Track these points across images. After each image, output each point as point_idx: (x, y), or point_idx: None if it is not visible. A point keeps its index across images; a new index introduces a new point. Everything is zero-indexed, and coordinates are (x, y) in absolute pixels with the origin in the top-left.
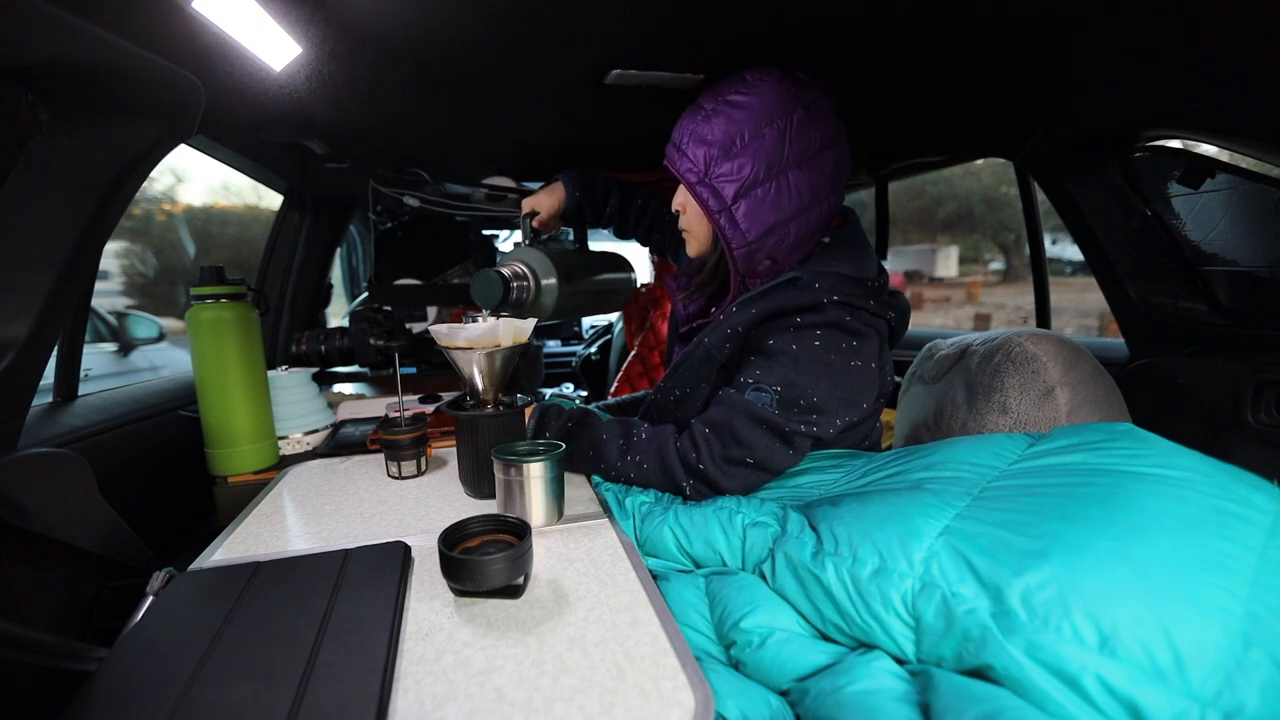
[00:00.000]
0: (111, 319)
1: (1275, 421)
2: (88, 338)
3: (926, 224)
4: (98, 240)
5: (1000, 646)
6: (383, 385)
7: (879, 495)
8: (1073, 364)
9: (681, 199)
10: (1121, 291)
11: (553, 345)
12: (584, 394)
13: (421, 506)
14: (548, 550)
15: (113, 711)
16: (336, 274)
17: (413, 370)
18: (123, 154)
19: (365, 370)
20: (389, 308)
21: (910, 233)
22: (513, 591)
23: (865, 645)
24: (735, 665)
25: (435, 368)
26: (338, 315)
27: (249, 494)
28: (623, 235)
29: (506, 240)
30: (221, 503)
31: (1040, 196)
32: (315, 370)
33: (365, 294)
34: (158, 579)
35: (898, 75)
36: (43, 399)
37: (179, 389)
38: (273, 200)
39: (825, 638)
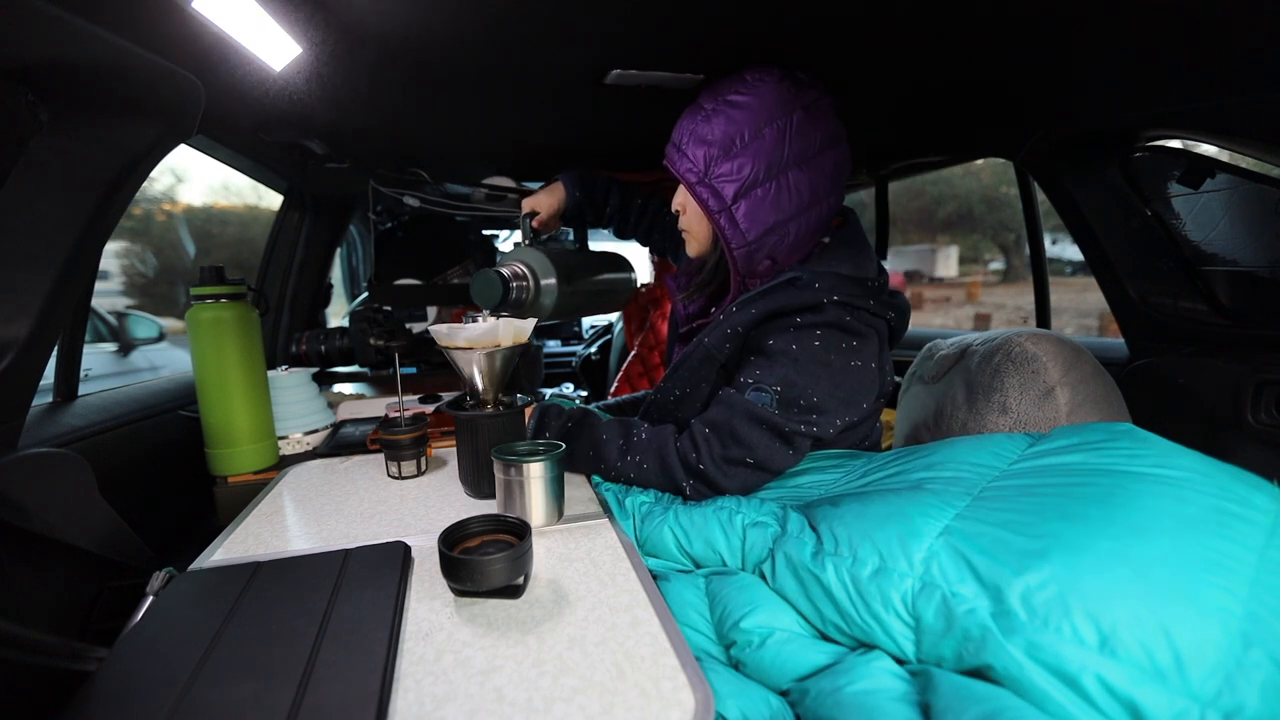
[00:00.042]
0: (111, 319)
1: (1275, 421)
2: (88, 338)
3: (926, 224)
4: (98, 240)
5: (1000, 646)
6: (383, 385)
7: (879, 495)
8: (1073, 364)
9: (681, 199)
10: (1121, 291)
11: (553, 345)
12: (584, 394)
13: (421, 506)
14: (548, 550)
15: (113, 711)
16: (336, 274)
17: (413, 370)
18: (123, 154)
19: (365, 370)
20: (389, 308)
21: (910, 233)
22: (513, 591)
23: (865, 645)
24: (735, 665)
25: (435, 368)
26: (338, 315)
27: (249, 494)
28: (623, 235)
29: (506, 240)
30: (221, 503)
31: (1040, 196)
32: (315, 370)
33: (365, 294)
34: (158, 579)
35: (898, 75)
36: (43, 399)
37: (179, 389)
38: (273, 200)
39: (825, 638)
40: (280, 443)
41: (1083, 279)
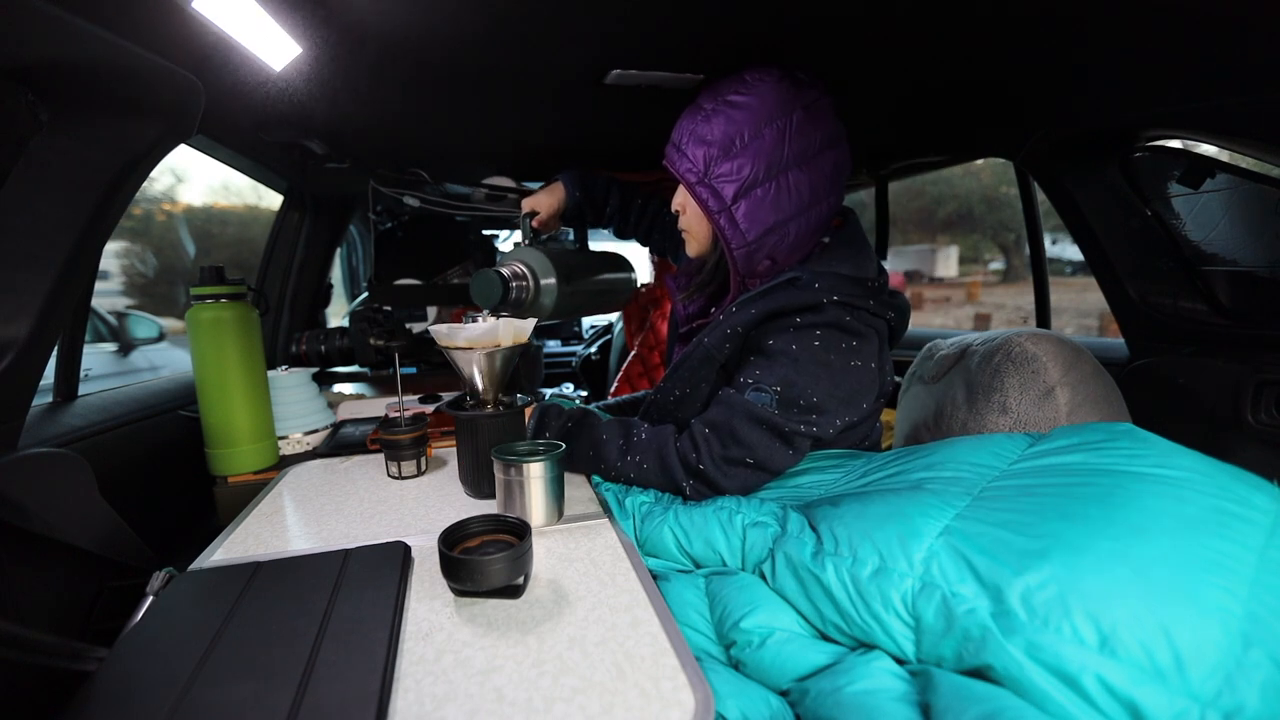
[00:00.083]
0: (111, 319)
1: (1275, 421)
2: (88, 338)
3: (926, 224)
4: (98, 240)
5: (1000, 646)
6: (383, 385)
7: (879, 495)
8: (1073, 364)
9: (681, 199)
10: (1121, 291)
11: (553, 345)
12: (584, 394)
13: (421, 506)
14: (548, 550)
15: (113, 711)
16: (336, 274)
17: (413, 370)
18: (123, 154)
19: (365, 370)
20: (389, 308)
21: (910, 233)
22: (513, 591)
23: (865, 645)
24: (735, 665)
25: (435, 368)
26: (338, 315)
27: (249, 494)
28: (623, 235)
29: (506, 240)
30: (221, 503)
31: (1040, 196)
32: (315, 370)
33: (365, 294)
34: (158, 579)
35: (898, 75)
36: (43, 399)
37: (179, 389)
38: (273, 200)
39: (825, 638)
40: (280, 443)
41: (1083, 279)
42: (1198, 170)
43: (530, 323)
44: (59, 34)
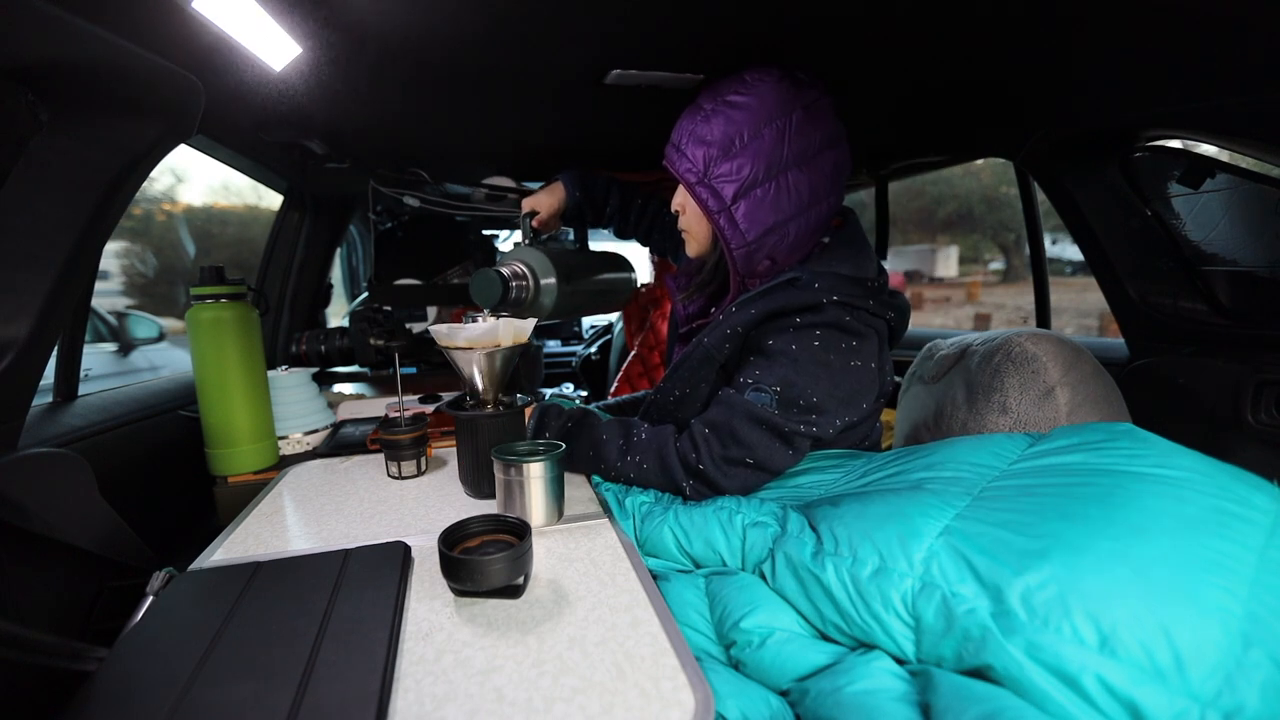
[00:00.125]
0: (111, 319)
1: (1275, 421)
2: (88, 338)
3: (926, 224)
4: (98, 240)
5: (1000, 646)
6: (383, 385)
7: (879, 495)
8: (1073, 364)
9: (681, 199)
10: (1121, 291)
11: (553, 345)
12: (584, 394)
13: (421, 506)
14: (548, 550)
15: (113, 711)
16: (336, 274)
17: (413, 370)
18: (123, 154)
19: (365, 370)
20: (389, 308)
21: (910, 233)
22: (513, 591)
23: (865, 645)
24: (735, 665)
25: (435, 368)
26: (338, 315)
27: (249, 494)
28: (623, 235)
29: (506, 240)
30: (221, 503)
31: (1040, 196)
32: (315, 370)
33: (365, 294)
34: (158, 579)
35: (898, 75)
36: (43, 399)
37: (179, 389)
38: (273, 200)
39: (825, 638)
40: (280, 443)
41: (1083, 279)
42: (1198, 170)
43: (530, 323)
44: (59, 34)
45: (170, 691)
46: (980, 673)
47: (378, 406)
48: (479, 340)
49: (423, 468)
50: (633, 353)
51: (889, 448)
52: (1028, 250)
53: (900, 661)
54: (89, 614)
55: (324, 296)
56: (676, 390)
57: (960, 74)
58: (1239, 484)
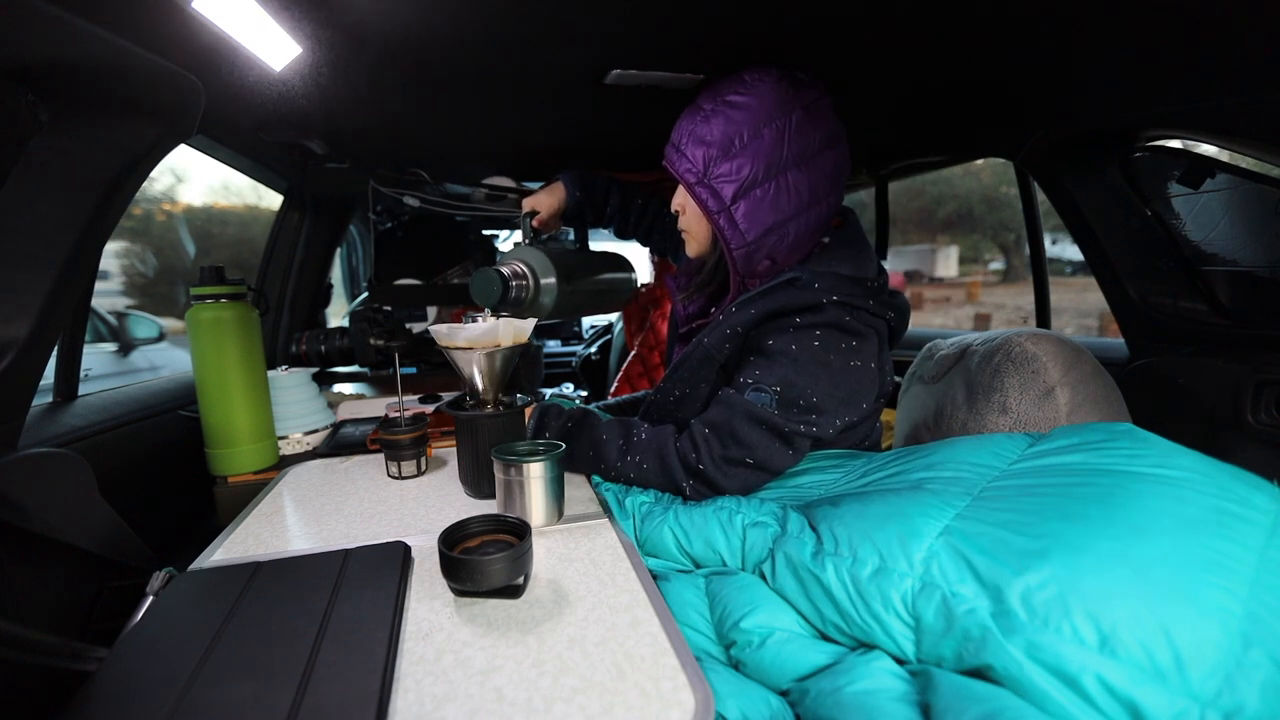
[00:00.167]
0: (111, 319)
1: (1275, 421)
2: (88, 338)
3: (926, 224)
4: (98, 240)
5: (1000, 646)
6: (383, 385)
7: (879, 495)
8: (1073, 364)
9: (681, 199)
10: (1121, 291)
11: (553, 345)
12: (584, 394)
13: (421, 506)
14: (548, 550)
15: (113, 711)
16: (336, 274)
17: (413, 370)
18: (123, 154)
19: (365, 370)
20: (389, 308)
21: (910, 233)
22: (513, 591)
23: (865, 645)
24: (735, 665)
25: (435, 368)
26: (338, 315)
27: (249, 494)
28: (623, 235)
29: (506, 240)
30: (221, 503)
31: (1040, 196)
32: (315, 370)
33: (365, 294)
34: (158, 579)
35: (898, 75)
36: (43, 399)
37: (179, 389)
38: (273, 200)
39: (825, 638)
40: (280, 443)
41: (1083, 279)
42: (1198, 170)
43: (530, 323)
44: (59, 34)
45: (170, 691)
46: (980, 673)
47: (378, 406)
48: (479, 340)
49: (423, 468)
50: (633, 353)
51: (889, 448)
52: (1028, 250)
53: (900, 661)
54: (89, 614)
55: (324, 296)
56: (676, 390)
57: (960, 74)
58: (1239, 484)
